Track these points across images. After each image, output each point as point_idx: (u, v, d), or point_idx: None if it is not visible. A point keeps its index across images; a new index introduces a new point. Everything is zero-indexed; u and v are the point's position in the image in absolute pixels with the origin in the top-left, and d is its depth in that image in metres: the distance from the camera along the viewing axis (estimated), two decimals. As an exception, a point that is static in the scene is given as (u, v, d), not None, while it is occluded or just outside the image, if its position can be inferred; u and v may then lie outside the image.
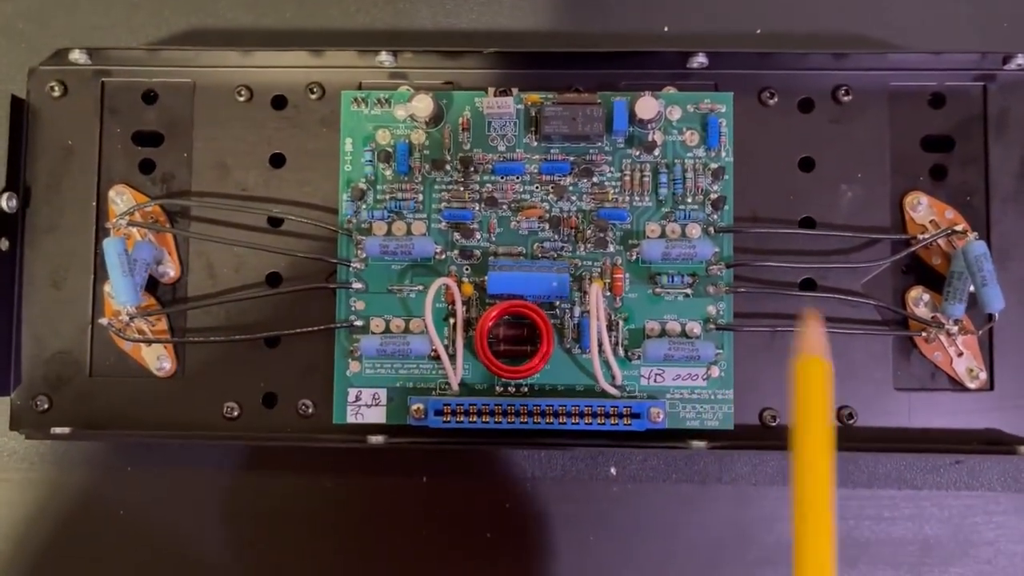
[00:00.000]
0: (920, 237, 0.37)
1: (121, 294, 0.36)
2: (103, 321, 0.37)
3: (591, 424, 0.36)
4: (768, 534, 0.39)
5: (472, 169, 0.38)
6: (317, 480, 0.40)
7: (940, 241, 0.37)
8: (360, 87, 0.39)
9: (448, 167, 0.38)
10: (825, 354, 0.28)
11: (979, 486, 0.39)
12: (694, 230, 0.37)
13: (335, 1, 0.43)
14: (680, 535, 0.39)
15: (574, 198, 0.38)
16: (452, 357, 0.37)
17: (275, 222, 0.39)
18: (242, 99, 0.39)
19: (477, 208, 0.38)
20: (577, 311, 0.37)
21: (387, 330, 0.37)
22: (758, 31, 0.42)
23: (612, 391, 0.36)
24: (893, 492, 0.39)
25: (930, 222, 0.38)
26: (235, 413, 0.38)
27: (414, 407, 0.36)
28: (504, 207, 0.38)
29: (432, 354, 0.37)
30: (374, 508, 0.40)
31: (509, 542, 0.40)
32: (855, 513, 0.39)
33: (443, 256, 0.37)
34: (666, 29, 0.42)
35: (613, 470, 0.40)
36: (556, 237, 0.38)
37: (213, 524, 0.40)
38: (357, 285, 0.37)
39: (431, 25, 0.43)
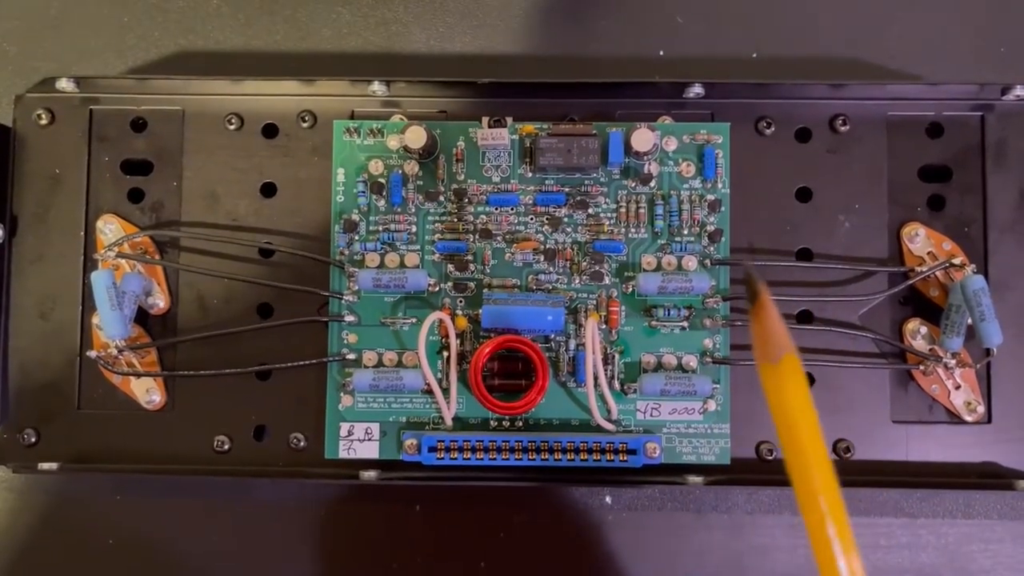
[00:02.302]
0: (918, 269, 0.37)
1: (110, 328, 0.35)
2: (92, 354, 0.36)
3: (587, 461, 0.35)
4: (764, 563, 0.39)
5: (466, 200, 0.37)
6: (309, 508, 0.39)
7: (938, 273, 0.37)
8: (352, 116, 0.38)
9: (442, 198, 0.37)
10: (790, 345, 0.24)
11: (976, 514, 0.39)
12: (691, 263, 0.37)
13: (327, 23, 0.42)
14: (675, 564, 0.39)
15: (569, 230, 0.37)
16: (446, 391, 0.36)
17: (266, 253, 0.38)
18: (232, 127, 0.38)
19: (471, 240, 0.37)
20: (572, 344, 0.37)
21: (380, 363, 0.37)
22: (754, 55, 0.42)
23: (608, 427, 0.36)
24: (889, 520, 0.39)
25: (928, 253, 0.37)
26: (226, 446, 0.37)
27: (408, 442, 0.36)
28: (498, 239, 0.37)
29: (425, 388, 0.36)
30: (367, 536, 0.39)
31: (504, 571, 0.39)
32: (851, 542, 0.39)
33: (437, 288, 0.37)
34: (661, 53, 0.42)
35: (608, 499, 0.39)
36: (551, 269, 0.37)
37: (203, 555, 0.39)
38: (349, 318, 0.37)
39: (424, 48, 0.42)
